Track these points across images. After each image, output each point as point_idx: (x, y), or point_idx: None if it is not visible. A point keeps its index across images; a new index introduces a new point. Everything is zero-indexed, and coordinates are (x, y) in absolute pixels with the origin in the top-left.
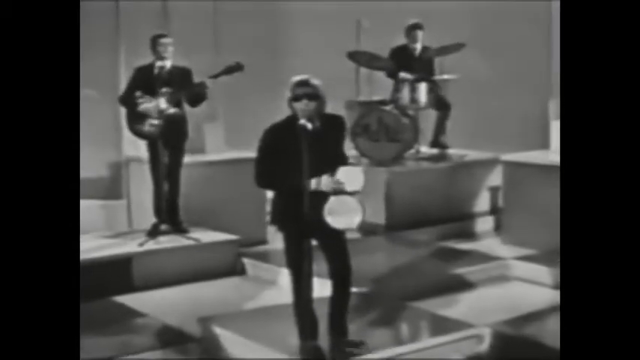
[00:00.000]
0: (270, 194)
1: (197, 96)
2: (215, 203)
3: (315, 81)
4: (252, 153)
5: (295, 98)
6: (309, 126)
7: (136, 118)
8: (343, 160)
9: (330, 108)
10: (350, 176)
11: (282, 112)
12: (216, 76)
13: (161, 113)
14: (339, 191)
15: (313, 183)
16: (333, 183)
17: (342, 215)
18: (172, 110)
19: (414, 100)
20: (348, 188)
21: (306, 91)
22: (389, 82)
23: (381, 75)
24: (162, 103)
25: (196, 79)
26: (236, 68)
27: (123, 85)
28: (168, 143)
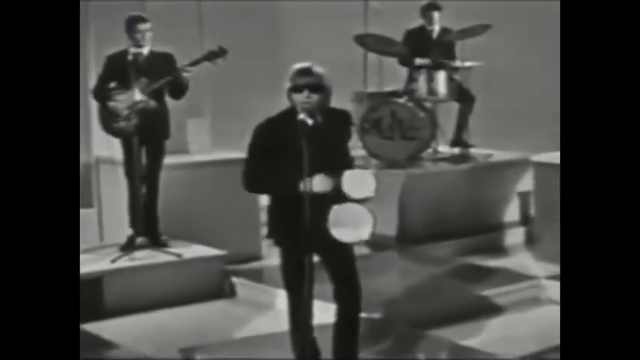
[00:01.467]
0: (265, 201)
1: (178, 86)
2: (200, 212)
3: (318, 69)
4: (243, 153)
5: (295, 89)
6: (310, 121)
7: (109, 114)
8: (349, 162)
9: (334, 101)
10: (358, 181)
11: (279, 108)
12: (194, 63)
13: (135, 106)
14: (346, 198)
15: (305, 185)
16: (330, 184)
17: (349, 226)
18: (151, 103)
19: (431, 90)
20: (356, 195)
21: (308, 81)
22: (402, 71)
23: (393, 62)
24: (137, 94)
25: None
26: (219, 53)
27: (93, 76)
28: (146, 142)
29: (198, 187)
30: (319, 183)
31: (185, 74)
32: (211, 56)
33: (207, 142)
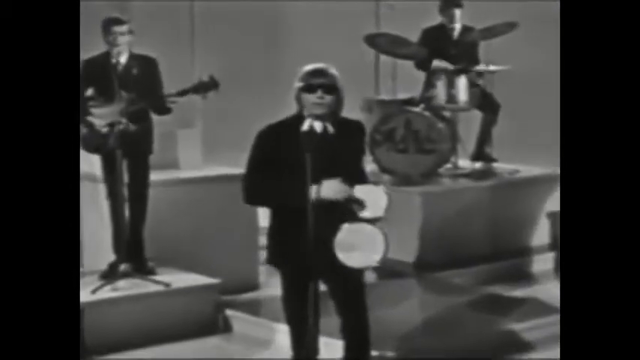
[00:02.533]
0: (264, 222)
1: (162, 108)
2: (191, 235)
3: (333, 71)
4: (239, 169)
5: (308, 88)
6: (319, 128)
7: (85, 128)
8: (361, 178)
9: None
10: (370, 198)
11: (279, 115)
12: (181, 94)
13: (114, 127)
14: (356, 216)
15: (313, 192)
16: (344, 192)
17: (359, 250)
18: (131, 127)
19: (451, 97)
20: (367, 214)
21: (322, 81)
22: (419, 75)
23: (408, 65)
24: (115, 114)
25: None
26: (209, 86)
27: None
28: (129, 156)
29: (188, 207)
30: (330, 189)
31: (169, 104)
32: (201, 88)
33: (198, 155)
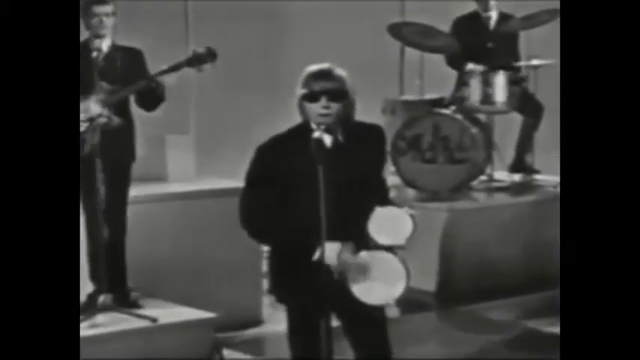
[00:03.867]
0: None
1: (150, 95)
2: (182, 260)
3: (339, 72)
4: (237, 182)
5: (310, 96)
6: (329, 141)
7: None
8: (382, 196)
9: (359, 113)
10: (390, 223)
11: (285, 122)
12: (173, 69)
13: (93, 122)
14: (374, 242)
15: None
16: (353, 265)
17: (376, 282)
18: (114, 120)
19: (487, 98)
20: (385, 240)
21: (326, 87)
22: (450, 72)
23: (437, 60)
24: (95, 106)
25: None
26: (205, 57)
27: None
28: (106, 165)
29: (178, 227)
30: (334, 257)
31: (161, 81)
32: (195, 60)
33: (190, 165)
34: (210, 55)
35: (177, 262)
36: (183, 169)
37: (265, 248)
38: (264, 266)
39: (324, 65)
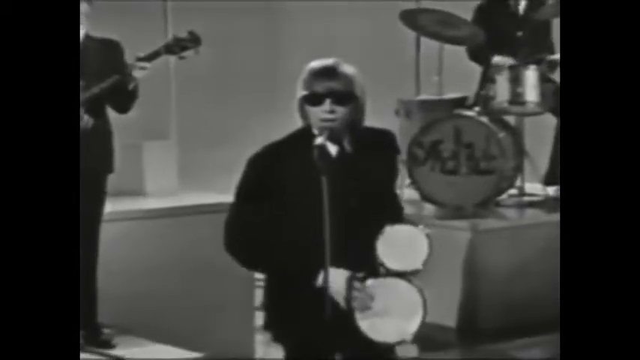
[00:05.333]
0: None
1: (121, 92)
2: (162, 290)
3: (346, 69)
4: (226, 196)
5: (311, 99)
6: (334, 149)
7: None
8: (395, 214)
9: (368, 115)
10: (403, 244)
11: (281, 129)
12: (151, 57)
13: None
14: (385, 268)
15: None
16: (361, 295)
17: (388, 317)
18: (87, 121)
19: (517, 97)
20: (397, 265)
21: (331, 87)
22: (473, 67)
23: (459, 53)
24: None
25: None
26: (187, 43)
27: None
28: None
29: (158, 250)
30: (342, 282)
31: (135, 73)
32: (176, 46)
33: (172, 177)
34: (193, 40)
35: (157, 293)
36: (164, 182)
37: (260, 276)
38: (258, 298)
39: (329, 61)
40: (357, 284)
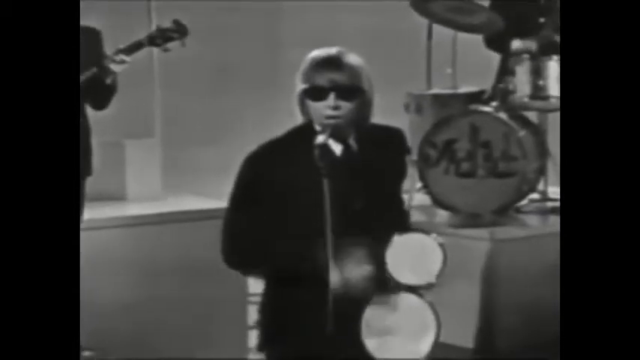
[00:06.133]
0: (256, 287)
1: (98, 86)
2: (145, 307)
3: (353, 59)
4: (217, 201)
5: (313, 93)
6: (338, 148)
7: None
8: (400, 218)
9: (374, 111)
10: (414, 255)
11: (279, 126)
12: (132, 49)
13: None
14: (392, 283)
15: (335, 277)
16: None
17: (397, 336)
18: None
19: (539, 91)
20: (408, 279)
21: (334, 79)
22: (491, 59)
23: (474, 42)
24: None
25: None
26: (172, 33)
27: None
28: None
29: (142, 262)
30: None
31: (114, 67)
32: (160, 37)
33: (157, 180)
34: (178, 30)
35: (140, 308)
36: (147, 185)
37: (253, 292)
38: (251, 314)
39: (332, 50)
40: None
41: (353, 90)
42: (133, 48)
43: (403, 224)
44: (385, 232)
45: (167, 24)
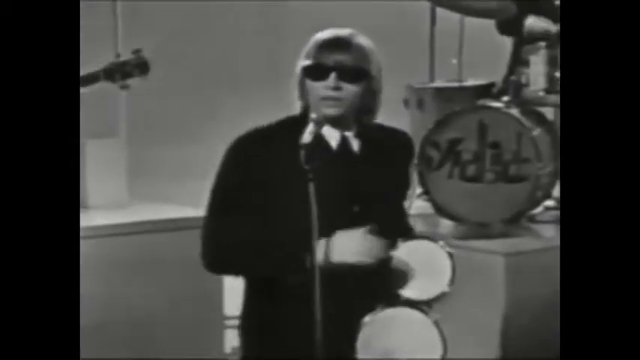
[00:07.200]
0: (233, 299)
1: None
2: (111, 325)
3: (363, 41)
4: (194, 210)
5: (313, 71)
6: (335, 139)
7: None
8: (404, 227)
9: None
10: (422, 265)
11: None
12: (85, 81)
13: None
14: (395, 296)
15: (320, 248)
16: (375, 252)
17: (399, 354)
18: None
19: (555, 85)
20: (414, 292)
21: (339, 60)
22: (501, 47)
23: (483, 29)
24: None
25: None
26: (133, 66)
27: None
28: None
29: (104, 275)
30: (350, 246)
31: None
32: (117, 72)
33: (122, 185)
34: (139, 66)
35: (103, 328)
36: (111, 191)
37: (231, 314)
38: (229, 336)
39: (343, 31)
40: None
41: (358, 71)
42: (88, 80)
43: (406, 231)
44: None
45: (127, 57)
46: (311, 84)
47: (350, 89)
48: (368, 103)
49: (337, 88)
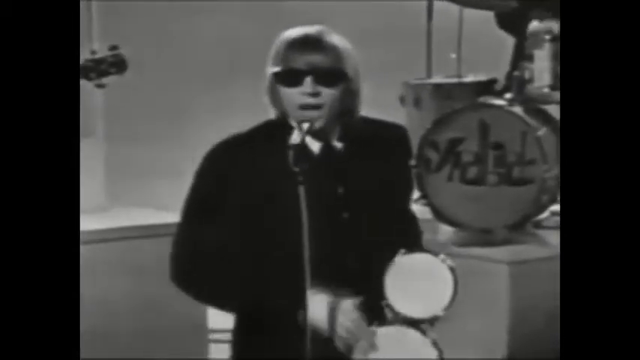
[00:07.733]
0: (220, 318)
1: None
2: (88, 335)
3: (335, 40)
4: (170, 214)
5: (286, 78)
6: (317, 147)
7: None
8: (409, 238)
9: (365, 105)
10: (421, 281)
11: (240, 124)
12: None
13: None
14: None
15: (313, 307)
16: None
17: None
18: None
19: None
20: (410, 310)
21: (313, 62)
22: (503, 41)
23: (484, 22)
24: None
25: None
26: (109, 64)
27: None
28: None
29: (84, 287)
30: (344, 318)
31: None
32: (93, 70)
33: (100, 187)
34: (116, 64)
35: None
36: (89, 194)
37: (217, 327)
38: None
39: (311, 29)
40: (344, 306)
41: (335, 73)
42: None
43: (413, 243)
44: (387, 255)
45: (103, 53)
46: (284, 90)
47: (328, 93)
48: (348, 104)
49: (315, 94)
